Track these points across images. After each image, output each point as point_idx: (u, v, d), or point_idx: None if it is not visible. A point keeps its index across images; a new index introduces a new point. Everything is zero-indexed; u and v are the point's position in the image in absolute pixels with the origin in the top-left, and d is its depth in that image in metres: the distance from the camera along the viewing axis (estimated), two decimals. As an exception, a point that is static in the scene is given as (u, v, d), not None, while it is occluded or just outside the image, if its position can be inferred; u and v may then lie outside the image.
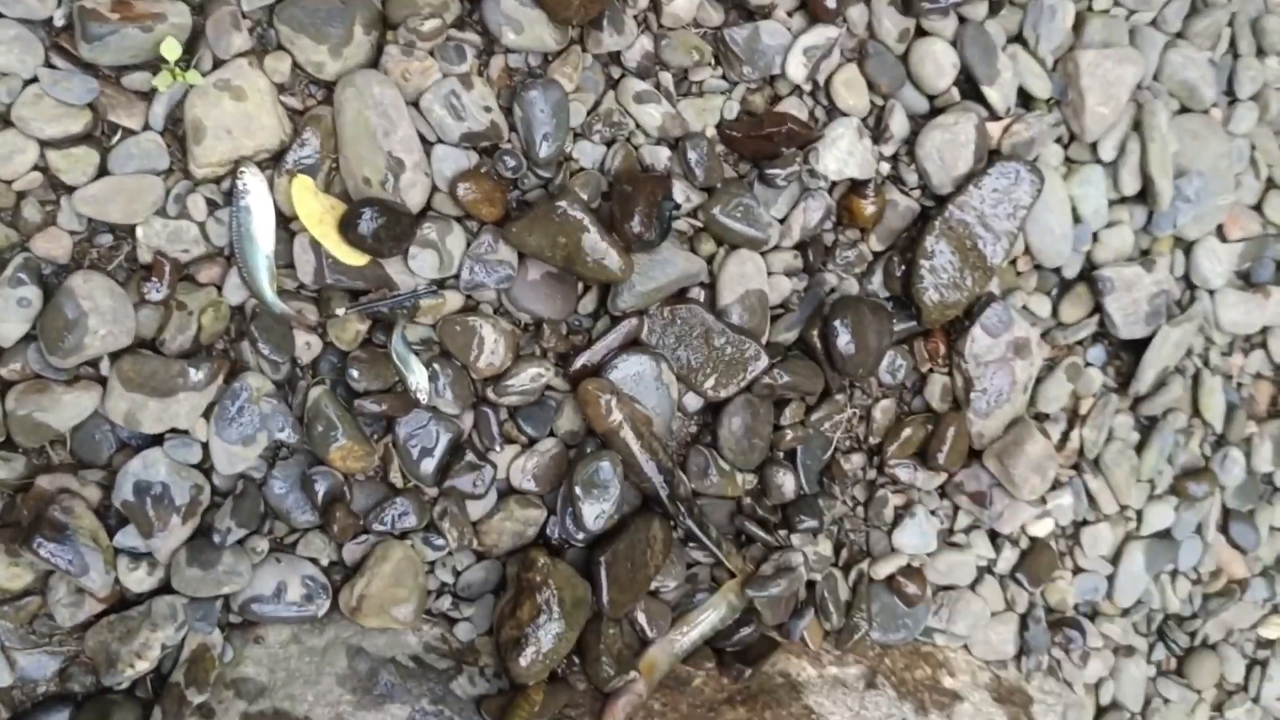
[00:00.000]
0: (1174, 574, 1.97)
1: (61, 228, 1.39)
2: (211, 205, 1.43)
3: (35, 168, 1.36)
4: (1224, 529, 2.00)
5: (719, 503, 1.65)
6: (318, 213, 1.43)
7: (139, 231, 1.41)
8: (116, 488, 1.42)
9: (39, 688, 1.49)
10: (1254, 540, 2.00)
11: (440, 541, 1.54)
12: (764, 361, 1.58)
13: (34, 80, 1.34)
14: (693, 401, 1.62)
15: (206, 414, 1.44)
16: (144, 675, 1.49)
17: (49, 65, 1.34)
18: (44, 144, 1.35)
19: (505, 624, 1.50)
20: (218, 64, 1.40)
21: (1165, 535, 1.92)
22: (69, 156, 1.36)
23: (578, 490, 1.50)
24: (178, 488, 1.43)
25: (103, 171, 1.39)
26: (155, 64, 1.37)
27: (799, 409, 1.67)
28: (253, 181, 1.41)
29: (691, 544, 1.64)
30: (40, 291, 1.36)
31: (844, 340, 1.59)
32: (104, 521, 1.44)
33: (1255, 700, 2.07)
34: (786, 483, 1.65)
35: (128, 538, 1.44)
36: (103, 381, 1.41)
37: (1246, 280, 1.91)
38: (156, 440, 1.44)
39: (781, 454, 1.67)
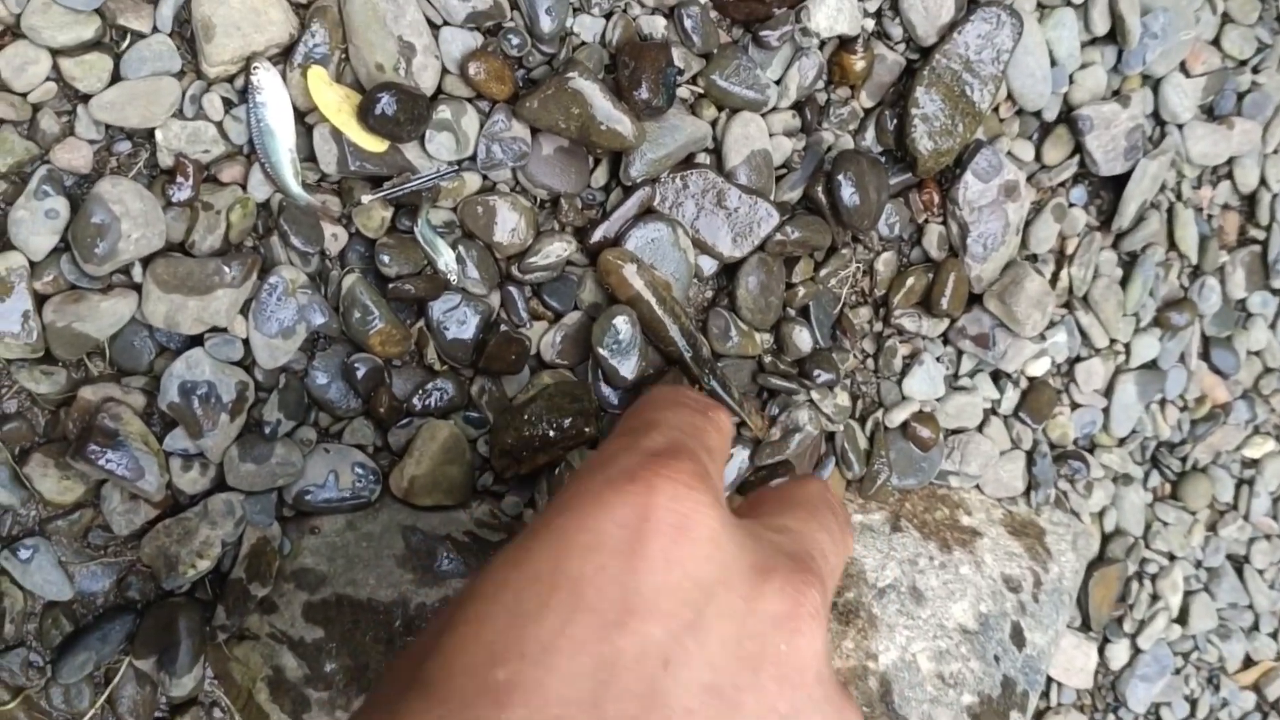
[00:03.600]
0: (1163, 403, 2.05)
1: (80, 137, 1.38)
2: (227, 104, 1.43)
3: (49, 78, 1.36)
4: (1205, 356, 2.08)
5: (740, 363, 1.68)
6: (335, 102, 1.44)
7: (158, 135, 1.41)
8: (162, 391, 1.43)
9: (98, 599, 1.50)
10: (1234, 364, 2.09)
11: (481, 418, 1.57)
12: (775, 219, 1.62)
13: (40, -12, 1.33)
14: (708, 265, 1.66)
15: (244, 310, 1.45)
16: (204, 576, 1.51)
17: (53, -28, 1.34)
18: (56, 53, 1.35)
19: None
20: (221, -40, 1.40)
21: (1152, 365, 2.00)
22: (83, 64, 1.35)
23: (601, 351, 1.54)
24: (223, 385, 1.45)
25: (116, 77, 1.39)
26: (159, -36, 1.37)
27: (808, 266, 1.71)
28: (266, 77, 1.41)
29: (716, 405, 1.67)
30: (67, 202, 1.36)
31: (848, 193, 1.63)
32: (150, 427, 1.45)
33: (1246, 518, 2.17)
34: (802, 338, 1.69)
35: (177, 440, 1.45)
36: (137, 288, 1.42)
37: (1210, 113, 1.98)
38: (196, 341, 1.45)
39: (795, 311, 1.71)
